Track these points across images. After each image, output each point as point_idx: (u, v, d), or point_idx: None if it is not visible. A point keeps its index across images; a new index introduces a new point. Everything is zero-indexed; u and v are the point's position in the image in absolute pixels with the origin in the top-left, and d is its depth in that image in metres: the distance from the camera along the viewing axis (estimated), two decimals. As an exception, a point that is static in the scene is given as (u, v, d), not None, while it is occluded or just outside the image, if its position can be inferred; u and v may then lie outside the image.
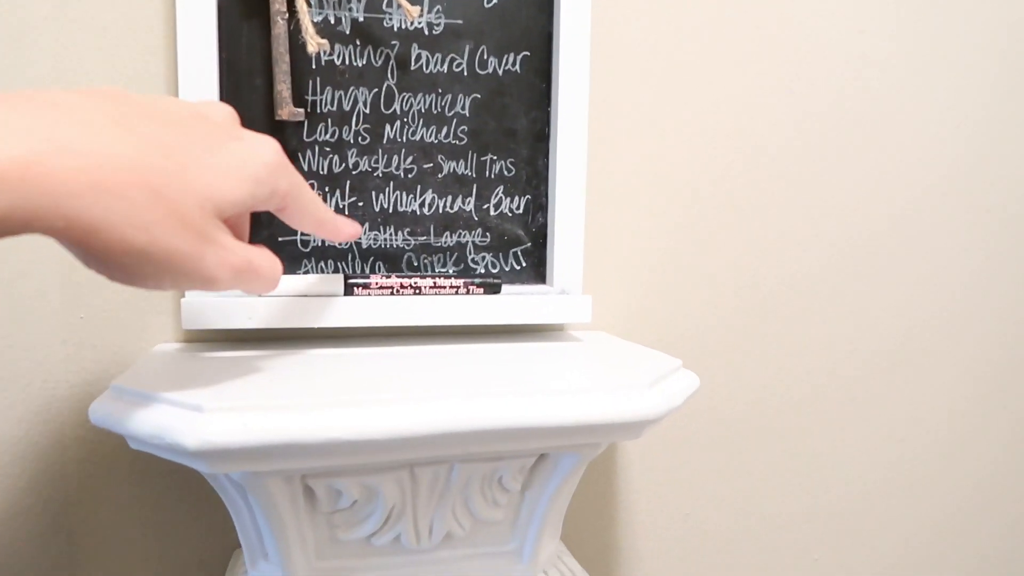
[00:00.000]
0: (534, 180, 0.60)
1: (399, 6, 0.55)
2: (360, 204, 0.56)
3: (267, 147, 0.36)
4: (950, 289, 0.77)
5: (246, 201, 0.34)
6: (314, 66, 0.54)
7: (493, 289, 0.56)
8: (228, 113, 0.37)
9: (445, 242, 0.58)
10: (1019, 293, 0.80)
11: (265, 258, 0.36)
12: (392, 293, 0.54)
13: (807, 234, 0.71)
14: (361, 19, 0.55)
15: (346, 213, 0.56)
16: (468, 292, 0.55)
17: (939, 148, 0.75)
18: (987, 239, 0.78)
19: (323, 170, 0.55)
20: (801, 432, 0.74)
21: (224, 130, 0.35)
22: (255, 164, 0.35)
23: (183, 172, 0.30)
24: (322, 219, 0.43)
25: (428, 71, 0.56)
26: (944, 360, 0.78)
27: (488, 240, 0.59)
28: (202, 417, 0.36)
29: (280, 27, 0.52)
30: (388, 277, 0.54)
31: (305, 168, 0.55)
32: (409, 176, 0.57)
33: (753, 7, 0.67)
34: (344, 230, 0.45)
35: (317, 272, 0.56)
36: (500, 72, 0.58)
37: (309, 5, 0.53)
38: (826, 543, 0.77)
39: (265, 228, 0.54)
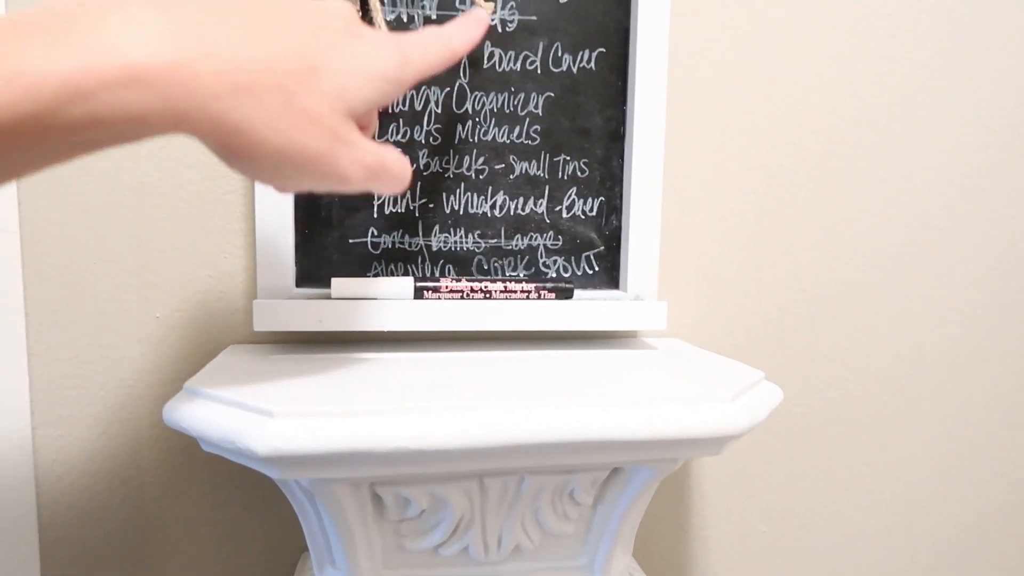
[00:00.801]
0: (608, 181, 0.58)
1: (472, 2, 0.54)
2: (430, 206, 0.55)
3: (389, 46, 0.35)
4: (1017, 289, 0.72)
5: (375, 99, 0.34)
6: (386, 66, 0.53)
7: (565, 294, 0.54)
8: (348, 11, 0.36)
9: (516, 245, 0.57)
10: None
11: (395, 156, 0.36)
12: (462, 297, 0.53)
13: (882, 238, 0.67)
14: (434, 16, 0.54)
15: (417, 215, 0.55)
16: (539, 297, 0.54)
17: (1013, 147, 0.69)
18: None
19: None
20: (879, 442, 0.70)
21: (347, 29, 0.34)
22: (381, 63, 0.34)
23: (315, 73, 0.31)
24: (444, 60, 0.39)
25: (501, 69, 0.55)
26: (1012, 359, 0.73)
27: (560, 243, 0.58)
28: (272, 423, 0.36)
29: (353, 27, 0.52)
30: (458, 280, 0.53)
31: (376, 169, 0.54)
32: (480, 177, 0.56)
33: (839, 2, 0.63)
34: (468, 43, 0.41)
35: (387, 274, 0.55)
36: (574, 70, 0.56)
37: (382, 3, 0.52)
38: (917, 560, 0.73)
39: (336, 229, 0.54)
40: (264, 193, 0.51)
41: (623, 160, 0.57)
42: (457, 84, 0.55)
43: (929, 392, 0.70)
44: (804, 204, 0.65)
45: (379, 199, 0.55)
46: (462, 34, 0.40)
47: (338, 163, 0.32)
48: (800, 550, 0.70)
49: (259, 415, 0.36)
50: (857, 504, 0.70)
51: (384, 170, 0.35)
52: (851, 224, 0.66)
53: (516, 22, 0.55)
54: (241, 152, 0.29)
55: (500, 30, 0.55)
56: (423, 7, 0.54)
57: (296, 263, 0.53)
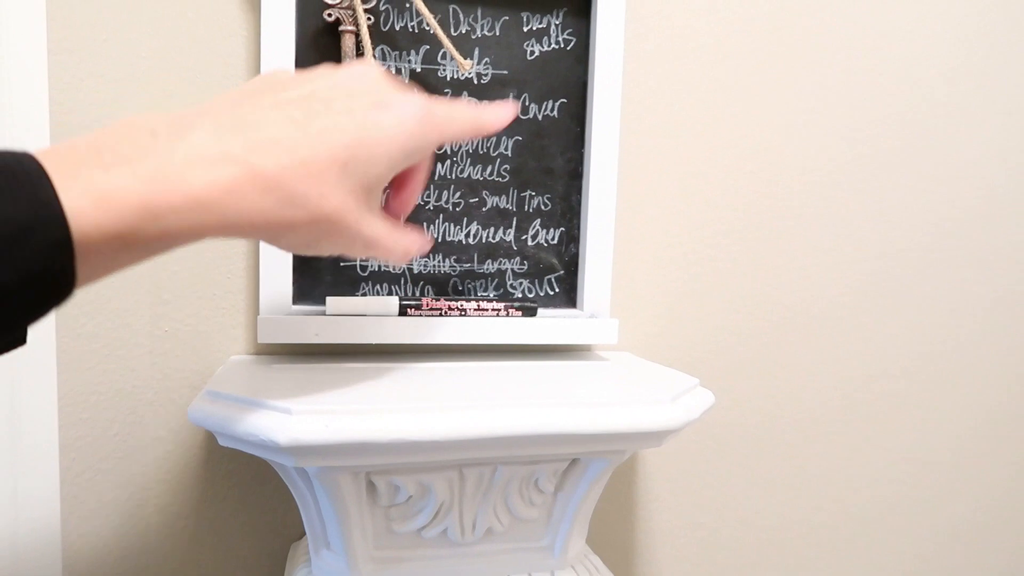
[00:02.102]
0: (568, 214, 0.66)
1: (452, 59, 0.62)
2: (413, 234, 0.63)
3: (414, 117, 0.38)
4: (961, 318, 0.83)
5: (395, 171, 0.39)
6: (376, 112, 0.61)
7: (530, 312, 0.63)
8: (373, 81, 0.39)
9: (487, 269, 0.65)
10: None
11: (394, 239, 0.41)
12: (441, 314, 0.60)
13: (820, 266, 0.77)
14: (419, 70, 0.62)
15: (401, 242, 0.63)
16: (507, 315, 0.62)
17: (954, 183, 0.80)
18: (998, 273, 0.83)
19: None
20: (811, 448, 0.79)
21: (374, 102, 0.37)
22: (403, 138, 0.38)
23: (344, 170, 0.35)
24: (469, 132, 0.43)
25: (476, 116, 0.63)
26: (953, 386, 0.83)
27: (526, 267, 0.66)
28: (292, 419, 0.43)
29: (348, 78, 0.59)
30: (437, 300, 0.61)
31: (366, 201, 0.62)
32: (457, 209, 0.64)
33: (773, 51, 0.73)
34: (496, 125, 0.45)
35: (373, 294, 0.63)
36: (540, 117, 0.65)
37: (375, 58, 0.60)
38: (834, 554, 0.82)
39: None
40: (268, 222, 0.58)
41: (581, 196, 0.66)
42: (438, 128, 0.63)
43: (855, 410, 0.80)
44: (746, 233, 0.74)
45: (368, 227, 0.62)
46: (492, 114, 0.44)
47: (353, 244, 0.38)
48: (735, 539, 0.78)
49: (280, 412, 0.44)
50: (784, 503, 0.79)
51: (378, 248, 0.40)
52: (791, 252, 0.75)
53: (490, 75, 0.63)
54: (278, 243, 0.36)
55: (476, 82, 0.63)
56: (409, 61, 0.62)
57: (293, 283, 0.61)
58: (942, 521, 0.86)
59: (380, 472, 0.50)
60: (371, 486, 0.51)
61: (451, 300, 0.61)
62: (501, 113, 0.44)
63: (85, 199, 0.28)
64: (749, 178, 0.74)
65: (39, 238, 0.27)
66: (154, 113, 0.33)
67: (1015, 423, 0.87)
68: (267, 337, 0.58)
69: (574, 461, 0.54)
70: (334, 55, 0.59)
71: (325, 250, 0.38)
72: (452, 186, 0.63)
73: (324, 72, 0.38)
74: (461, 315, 0.61)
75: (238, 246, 0.62)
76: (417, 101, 0.39)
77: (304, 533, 0.65)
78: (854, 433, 0.81)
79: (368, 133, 0.36)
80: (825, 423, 0.80)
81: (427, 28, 0.61)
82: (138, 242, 0.30)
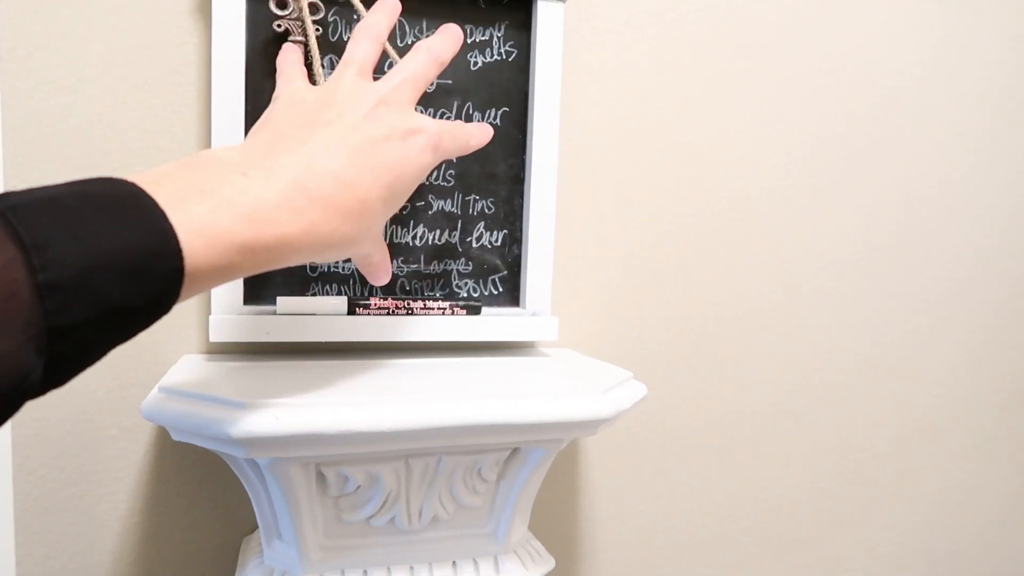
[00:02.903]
0: (511, 217, 0.69)
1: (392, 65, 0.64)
2: (362, 236, 0.65)
3: (430, 143, 0.46)
4: (897, 315, 0.88)
5: (409, 194, 0.46)
6: (325, 119, 0.63)
7: (474, 311, 0.66)
8: (390, 102, 0.46)
9: (433, 269, 0.68)
10: (969, 321, 0.91)
11: (387, 259, 0.53)
12: (388, 313, 0.63)
13: (753, 266, 0.82)
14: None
15: (350, 244, 0.65)
16: (453, 313, 0.65)
17: (891, 183, 0.86)
18: (937, 271, 0.89)
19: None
20: (746, 441, 0.84)
21: (403, 129, 0.44)
22: (415, 169, 0.45)
23: (388, 193, 0.43)
24: (461, 151, 0.52)
25: (422, 124, 0.66)
26: (889, 382, 0.89)
27: (470, 268, 0.69)
28: (243, 412, 0.45)
29: (298, 86, 0.62)
30: (385, 299, 0.63)
31: (315, 205, 0.64)
32: (404, 212, 0.66)
33: (705, 62, 0.77)
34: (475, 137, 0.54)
35: (323, 294, 0.65)
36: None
37: (323, 67, 0.63)
38: (769, 543, 0.87)
39: (280, 256, 0.63)
40: (219, 225, 0.60)
41: (523, 199, 0.69)
42: (385, 135, 0.65)
43: (790, 404, 0.85)
44: (680, 236, 0.78)
45: (318, 230, 0.64)
46: (479, 134, 0.54)
47: (369, 261, 0.50)
48: (672, 527, 0.83)
49: (232, 407, 0.46)
50: (720, 493, 0.84)
51: (382, 266, 0.52)
52: (720, 253, 0.80)
53: (435, 85, 0.66)
54: (317, 260, 0.42)
55: (426, 92, 0.66)
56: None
57: (244, 283, 0.63)
58: (876, 512, 0.92)
59: (329, 463, 0.52)
60: (321, 477, 0.53)
61: (399, 299, 0.64)
62: (484, 134, 0.54)
63: (195, 235, 0.32)
64: (684, 183, 0.78)
65: (162, 267, 0.30)
66: (234, 149, 0.39)
67: (954, 419, 0.93)
68: (219, 336, 0.60)
69: (515, 450, 0.57)
70: (284, 64, 0.61)
71: (340, 259, 0.44)
72: (399, 190, 0.66)
73: (348, 93, 0.45)
74: (408, 314, 0.64)
75: (190, 248, 0.63)
76: (433, 128, 0.46)
77: (256, 527, 0.67)
78: (788, 427, 0.86)
79: (403, 168, 0.43)
80: (760, 417, 0.84)
81: (374, 39, 0.63)
82: (231, 274, 0.35)
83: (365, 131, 0.43)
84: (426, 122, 0.46)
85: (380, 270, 0.51)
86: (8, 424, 0.59)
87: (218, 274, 0.34)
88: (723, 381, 0.82)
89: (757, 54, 0.79)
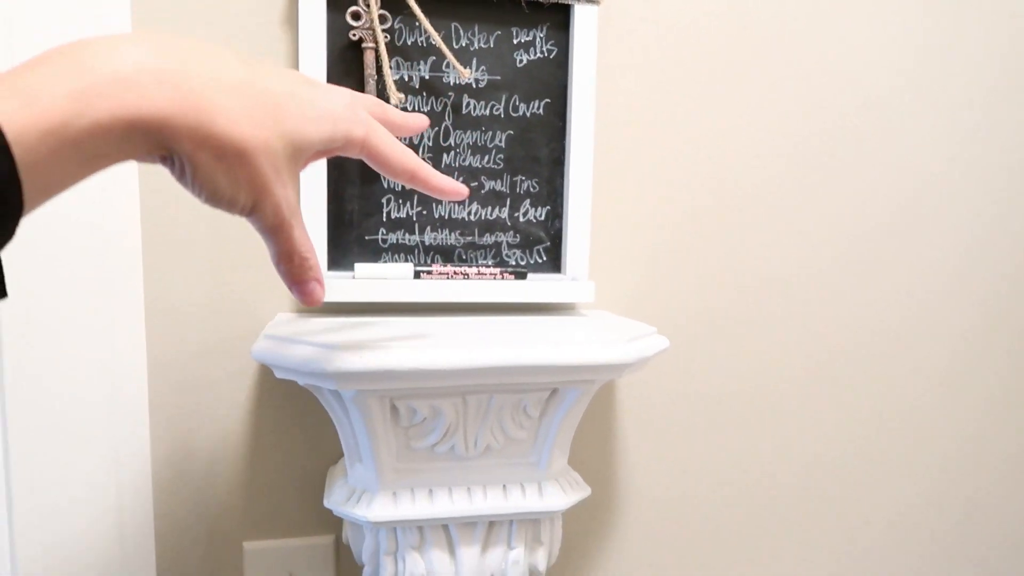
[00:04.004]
0: (553, 195, 0.80)
1: (453, 67, 0.75)
2: (424, 213, 0.77)
3: (341, 96, 0.42)
4: (918, 294, 0.96)
5: (320, 145, 0.40)
6: (393, 112, 0.75)
7: (521, 276, 0.76)
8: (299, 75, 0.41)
9: (486, 241, 0.79)
10: (977, 303, 0.98)
11: (302, 231, 0.42)
12: (448, 278, 0.74)
13: (781, 242, 0.90)
14: (427, 77, 0.75)
15: (414, 220, 0.77)
16: (502, 278, 0.76)
17: (915, 167, 0.93)
18: (956, 251, 0.96)
19: (399, 187, 0.76)
20: (767, 398, 0.93)
21: (304, 78, 0.41)
22: (333, 110, 0.41)
23: (276, 100, 0.37)
24: (413, 171, 0.48)
25: (475, 114, 0.77)
26: (911, 353, 0.97)
27: (518, 240, 0.79)
28: (334, 352, 0.57)
29: (370, 85, 0.73)
30: (444, 266, 0.75)
31: (385, 186, 0.75)
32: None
33: (731, 52, 0.86)
34: (437, 184, 0.50)
35: (392, 262, 0.77)
36: (528, 114, 0.78)
37: (391, 68, 0.74)
38: (795, 494, 0.96)
39: (356, 229, 0.75)
40: (305, 205, 0.72)
41: (563, 179, 0.79)
42: (443, 125, 0.76)
43: (821, 372, 0.93)
44: (711, 210, 0.87)
45: (388, 206, 0.76)
46: (437, 176, 0.51)
47: (264, 196, 0.38)
48: (700, 471, 0.92)
49: (325, 348, 0.58)
50: (744, 448, 0.93)
51: (283, 225, 0.40)
52: (754, 228, 0.89)
53: (486, 80, 0.77)
54: (197, 162, 0.34)
55: (474, 86, 0.76)
56: (419, 70, 0.75)
57: (327, 253, 0.74)
58: (895, 472, 0.99)
59: (400, 397, 0.64)
60: (394, 409, 0.65)
61: (456, 267, 0.75)
62: (454, 187, 0.53)
63: (14, 100, 0.28)
64: (711, 165, 0.87)
65: None
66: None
67: (970, 391, 1.00)
68: (308, 297, 0.72)
69: (554, 391, 0.68)
70: (358, 67, 0.73)
71: (238, 193, 0.37)
72: (456, 173, 0.77)
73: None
74: (464, 279, 0.75)
75: (282, 224, 0.76)
76: (347, 91, 0.44)
77: (338, 457, 0.80)
78: (812, 386, 0.94)
79: (301, 92, 0.39)
80: (784, 377, 0.93)
81: (433, 43, 0.74)
82: (72, 138, 0.29)
83: (261, 64, 0.39)
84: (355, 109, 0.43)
85: (285, 227, 0.40)
86: (144, 367, 0.73)
87: (55, 141, 0.29)
88: (748, 342, 0.91)
89: (777, 45, 0.87)
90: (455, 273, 0.74)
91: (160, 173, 0.72)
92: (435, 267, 0.74)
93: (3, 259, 0.34)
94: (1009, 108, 0.96)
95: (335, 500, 0.69)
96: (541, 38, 0.77)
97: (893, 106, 0.93)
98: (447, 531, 0.70)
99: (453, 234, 0.78)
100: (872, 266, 0.95)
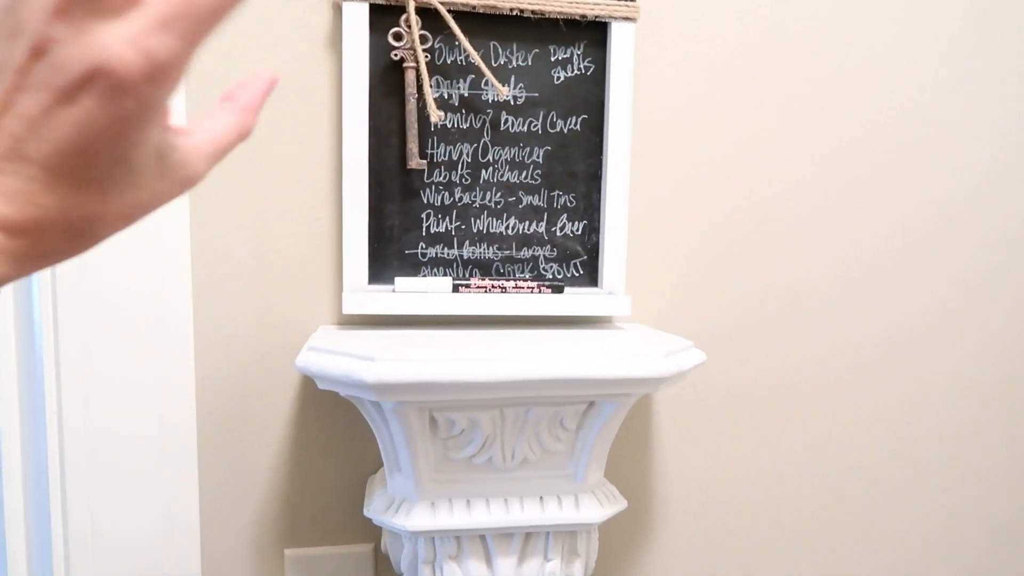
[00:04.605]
0: (590, 209, 0.80)
1: (492, 85, 0.77)
2: (463, 227, 0.78)
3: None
4: (948, 303, 0.94)
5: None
6: (433, 128, 0.76)
7: (558, 289, 0.77)
8: None
9: (523, 255, 0.80)
10: (1009, 311, 0.96)
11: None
12: (486, 292, 0.76)
13: (812, 252, 0.90)
14: (466, 95, 0.77)
15: (453, 234, 0.78)
16: (540, 291, 0.77)
17: (935, 180, 0.92)
18: (989, 261, 0.94)
19: (438, 203, 0.77)
20: (803, 410, 0.92)
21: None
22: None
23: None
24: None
25: (513, 131, 0.78)
26: (940, 363, 0.95)
27: (555, 254, 0.80)
28: (375, 364, 0.59)
29: (411, 103, 0.75)
30: (483, 280, 0.76)
31: (425, 201, 0.77)
32: (498, 207, 0.79)
33: (763, 68, 0.86)
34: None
35: (432, 276, 0.78)
36: (565, 131, 0.79)
37: (431, 87, 0.75)
38: (829, 506, 0.95)
39: (396, 244, 0.77)
40: (348, 221, 0.74)
41: (600, 194, 0.80)
42: (482, 141, 0.78)
43: (856, 382, 0.93)
44: (743, 224, 0.87)
45: (427, 221, 0.77)
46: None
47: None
48: (736, 483, 0.92)
49: (366, 360, 0.59)
50: (779, 457, 0.92)
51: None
52: (785, 241, 0.88)
53: (524, 97, 0.78)
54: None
55: (512, 103, 0.78)
56: (458, 88, 0.77)
57: (368, 267, 0.76)
58: (928, 483, 0.98)
59: (439, 409, 0.65)
60: (432, 420, 0.66)
61: (494, 280, 0.76)
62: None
63: None
64: (745, 177, 0.87)
65: None
66: None
67: (995, 401, 0.98)
68: (350, 309, 0.74)
69: (591, 404, 0.68)
70: (399, 86, 0.75)
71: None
72: (494, 188, 0.78)
73: None
74: (502, 292, 0.76)
75: (324, 236, 0.78)
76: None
77: (377, 467, 0.81)
78: (847, 397, 0.93)
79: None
80: (819, 388, 0.92)
81: (472, 61, 0.76)
82: None
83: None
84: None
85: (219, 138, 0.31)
86: (193, 380, 0.75)
87: None
88: (782, 353, 0.91)
89: (810, 59, 0.87)
90: (493, 287, 0.76)
91: (209, 204, 0.75)
92: (473, 281, 0.76)
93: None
94: (1056, 120, 0.95)
95: (375, 509, 0.70)
96: (579, 55, 0.78)
97: (923, 116, 0.92)
98: (484, 542, 0.70)
99: (491, 248, 0.79)
100: (904, 275, 0.94)
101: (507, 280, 0.76)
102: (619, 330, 0.80)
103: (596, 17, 0.77)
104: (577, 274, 0.81)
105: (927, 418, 0.97)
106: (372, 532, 0.83)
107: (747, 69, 0.86)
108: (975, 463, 0.99)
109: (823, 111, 0.88)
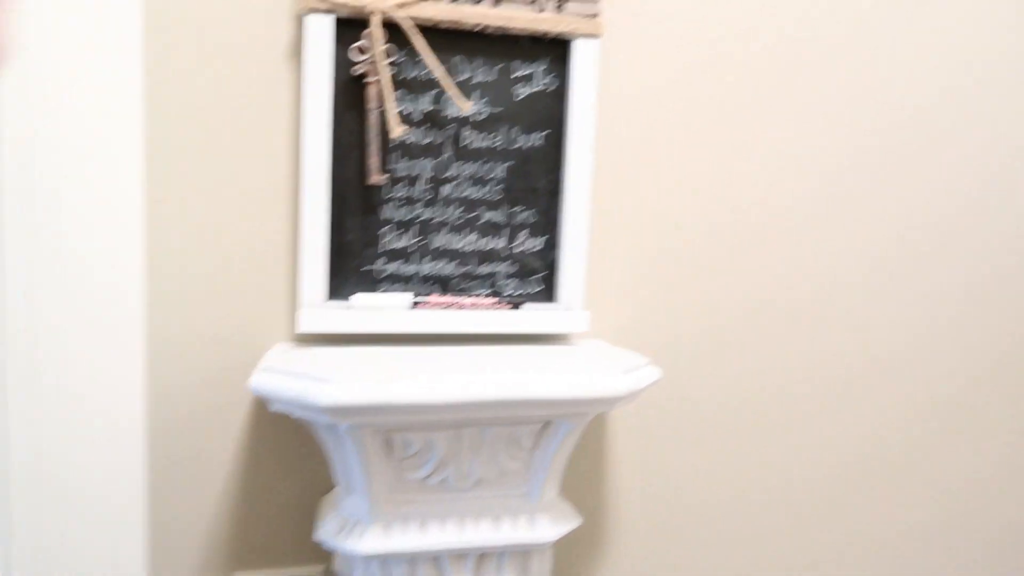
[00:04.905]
0: (550, 225, 0.80)
1: (455, 100, 0.76)
2: (423, 243, 0.77)
3: None
4: (897, 320, 0.96)
5: None
6: (394, 143, 0.75)
7: (516, 306, 0.77)
8: None
9: (483, 271, 0.79)
10: (968, 324, 0.99)
11: None
12: (445, 308, 0.75)
13: (772, 268, 0.91)
14: (429, 110, 0.76)
15: (412, 250, 0.77)
16: (498, 308, 0.76)
17: (905, 199, 0.94)
18: (969, 276, 0.97)
19: (398, 218, 0.76)
20: (756, 425, 0.94)
21: None
22: None
23: None
24: None
25: (475, 147, 0.78)
26: (901, 377, 0.97)
27: (515, 270, 0.80)
28: (329, 386, 0.58)
29: (373, 117, 0.74)
30: (442, 296, 0.75)
31: (385, 217, 0.76)
32: (459, 223, 0.78)
33: (726, 86, 0.87)
34: None
35: (391, 292, 0.77)
36: (527, 146, 0.79)
37: (395, 101, 0.75)
38: (777, 519, 0.96)
39: (354, 259, 0.76)
40: (306, 236, 0.73)
41: (560, 210, 0.80)
42: (444, 156, 0.77)
43: (802, 393, 0.94)
44: (700, 241, 0.88)
45: (386, 236, 0.77)
46: None
47: None
48: (690, 498, 0.93)
49: (320, 381, 0.58)
50: (732, 473, 0.94)
51: None
52: (738, 257, 0.89)
53: (487, 113, 0.78)
54: None
55: (475, 119, 0.77)
56: (421, 103, 0.76)
57: (327, 283, 0.75)
58: (880, 498, 1.00)
59: (395, 430, 0.64)
60: (387, 441, 0.65)
61: (453, 296, 0.75)
62: None
63: None
64: (706, 194, 0.88)
65: None
66: None
67: (962, 410, 1.01)
68: (307, 326, 0.72)
69: (547, 424, 0.68)
70: (362, 100, 0.74)
71: None
72: (455, 204, 0.78)
73: None
74: (460, 309, 0.75)
75: (280, 251, 0.76)
76: None
77: (330, 488, 0.80)
78: (799, 414, 0.95)
79: None
80: (773, 403, 0.94)
81: (435, 76, 0.75)
82: None
83: None
84: None
85: None
86: (142, 395, 0.73)
87: None
88: (740, 368, 0.92)
89: (772, 78, 0.88)
90: (451, 303, 0.75)
91: (165, 216, 0.73)
92: (433, 297, 0.75)
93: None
94: None
95: (327, 532, 0.69)
96: (542, 71, 0.78)
97: (879, 136, 0.94)
98: (438, 564, 0.70)
99: (451, 264, 0.78)
100: (866, 289, 0.95)
101: (466, 296, 0.76)
102: (576, 347, 0.80)
103: (559, 34, 0.77)
104: (537, 290, 0.81)
105: (888, 432, 0.99)
106: (324, 554, 0.82)
107: (710, 87, 0.87)
108: (934, 477, 1.01)
109: (785, 129, 0.90)
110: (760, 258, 0.91)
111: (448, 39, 0.75)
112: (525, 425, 0.67)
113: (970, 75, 0.95)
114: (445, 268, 0.78)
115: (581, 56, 0.78)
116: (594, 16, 0.78)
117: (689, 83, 0.86)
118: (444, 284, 0.79)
